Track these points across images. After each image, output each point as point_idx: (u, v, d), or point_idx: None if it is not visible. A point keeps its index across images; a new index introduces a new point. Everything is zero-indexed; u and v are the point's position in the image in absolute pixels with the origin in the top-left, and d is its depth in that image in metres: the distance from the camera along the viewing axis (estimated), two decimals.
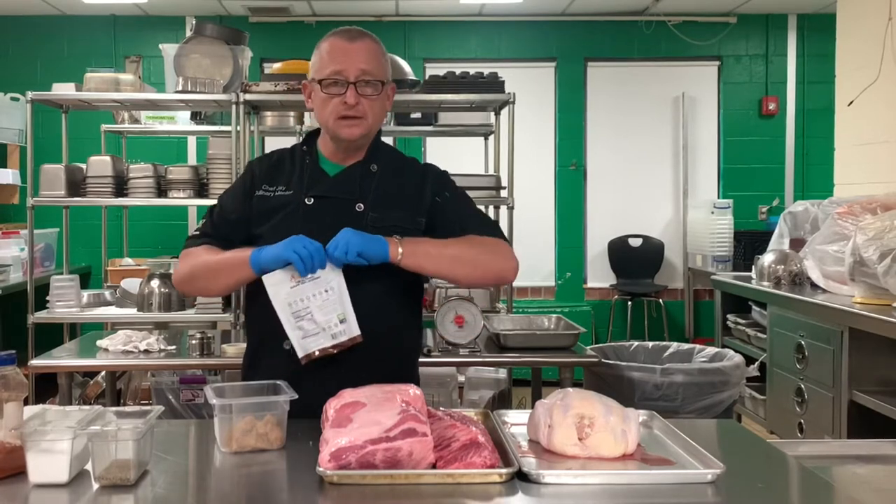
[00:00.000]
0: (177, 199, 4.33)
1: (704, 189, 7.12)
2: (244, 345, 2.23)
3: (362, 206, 1.96)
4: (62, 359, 3.22)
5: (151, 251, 6.12)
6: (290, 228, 1.88)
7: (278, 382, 1.73)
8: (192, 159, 6.79)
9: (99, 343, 3.29)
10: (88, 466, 1.48)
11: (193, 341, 3.20)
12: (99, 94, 4.33)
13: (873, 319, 3.30)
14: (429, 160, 2.41)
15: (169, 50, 4.39)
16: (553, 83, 7.15)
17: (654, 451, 1.63)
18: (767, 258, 4.56)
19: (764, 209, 7.02)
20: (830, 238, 3.97)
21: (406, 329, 2.05)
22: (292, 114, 5.12)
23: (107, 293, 4.44)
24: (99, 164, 4.31)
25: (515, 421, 1.81)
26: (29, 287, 4.33)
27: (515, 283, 4.83)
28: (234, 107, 4.18)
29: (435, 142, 6.73)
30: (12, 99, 6.13)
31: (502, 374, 4.32)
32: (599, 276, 7.14)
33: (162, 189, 4.34)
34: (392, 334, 1.98)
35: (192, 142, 6.90)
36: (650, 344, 3.95)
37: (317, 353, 1.84)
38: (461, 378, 4.34)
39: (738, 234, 6.44)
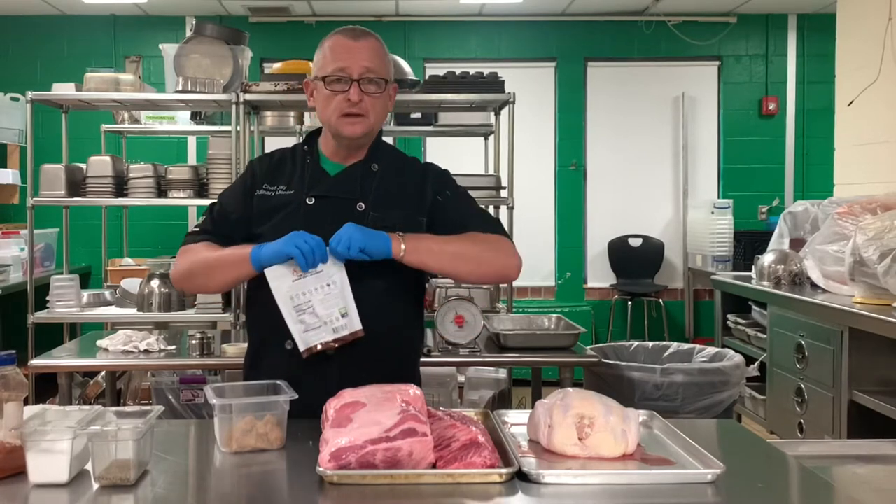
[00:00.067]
0: (177, 199, 4.33)
1: (704, 189, 7.12)
2: (244, 345, 2.24)
3: (363, 205, 1.96)
4: (62, 359, 3.22)
5: (151, 251, 6.11)
6: (291, 228, 1.88)
7: (278, 382, 1.73)
8: (192, 159, 6.79)
9: (99, 343, 3.29)
10: (88, 466, 1.48)
11: (193, 341, 3.20)
12: (99, 94, 4.33)
13: (873, 319, 3.30)
14: (429, 160, 2.41)
15: (169, 50, 4.39)
16: (553, 83, 7.15)
17: (654, 451, 1.63)
18: (767, 258, 4.56)
19: (764, 209, 7.02)
20: (830, 238, 3.97)
21: (407, 329, 2.05)
22: (292, 114, 5.12)
23: (107, 293, 4.44)
24: (99, 164, 4.31)
25: (515, 421, 1.81)
26: (29, 287, 4.33)
27: (515, 283, 4.83)
28: (234, 107, 4.18)
29: (435, 142, 6.73)
30: (12, 99, 6.14)
31: (502, 374, 4.32)
32: (599, 276, 7.14)
33: (162, 189, 4.34)
34: (393, 334, 1.98)
35: (192, 142, 6.90)
36: (650, 344, 3.95)
37: (318, 346, 1.84)
38: (461, 378, 4.34)
39: (738, 234, 6.44)
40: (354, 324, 1.85)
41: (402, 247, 1.84)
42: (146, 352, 3.21)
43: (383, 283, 1.93)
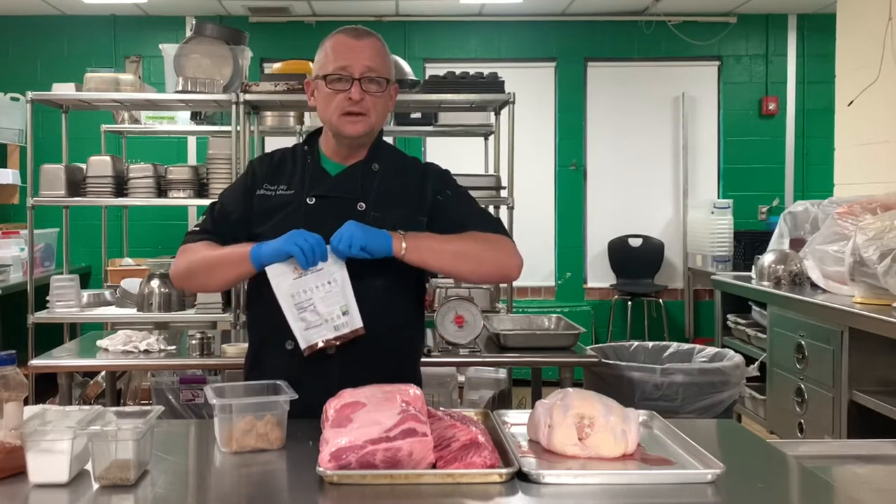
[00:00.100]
0: (177, 199, 4.33)
1: (704, 189, 7.12)
2: (244, 345, 2.24)
3: (364, 205, 1.96)
4: (62, 359, 3.22)
5: (151, 251, 6.11)
6: (291, 228, 1.87)
7: (278, 382, 1.73)
8: (192, 159, 6.79)
9: (99, 343, 3.29)
10: (88, 466, 1.48)
11: (193, 341, 3.20)
12: (99, 94, 4.33)
13: (873, 319, 3.30)
14: (429, 160, 2.41)
15: (169, 50, 4.39)
16: (553, 83, 7.15)
17: (654, 451, 1.63)
18: (767, 258, 4.56)
19: (764, 209, 7.02)
20: (830, 238, 3.97)
21: (407, 328, 2.05)
22: (292, 114, 5.12)
23: (107, 293, 4.44)
24: (99, 164, 4.31)
25: (515, 421, 1.81)
26: (29, 287, 4.33)
27: (515, 283, 4.83)
28: (234, 107, 4.18)
29: (435, 142, 6.73)
30: (12, 99, 6.14)
31: (502, 374, 4.32)
32: (599, 276, 7.14)
33: (162, 189, 4.34)
34: (393, 333, 1.98)
35: (192, 142, 6.90)
36: (650, 344, 3.95)
37: (320, 343, 1.84)
38: (461, 378, 4.34)
39: (738, 234, 6.44)
40: (355, 321, 1.85)
41: (404, 245, 1.84)
42: (146, 352, 3.21)
43: (384, 282, 1.93)
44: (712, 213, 6.39)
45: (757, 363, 4.31)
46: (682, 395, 3.36)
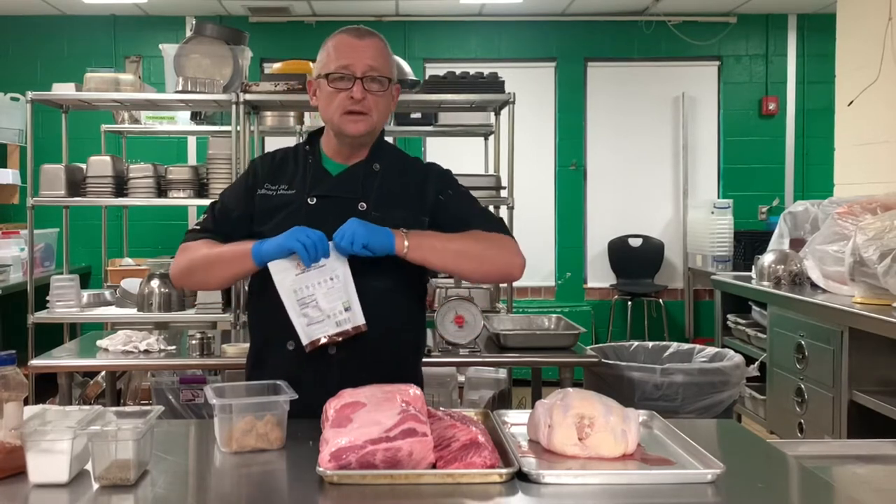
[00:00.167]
0: (177, 199, 4.33)
1: (704, 189, 7.12)
2: (244, 345, 2.24)
3: (365, 205, 1.96)
4: (62, 359, 3.22)
5: (151, 251, 6.11)
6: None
7: (278, 382, 1.73)
8: (192, 159, 6.79)
9: (99, 343, 3.29)
10: (88, 466, 1.48)
11: (193, 341, 3.20)
12: (99, 94, 4.33)
13: (873, 319, 3.30)
14: (429, 160, 2.41)
15: (169, 50, 4.39)
16: (553, 83, 7.15)
17: (654, 451, 1.63)
18: (767, 258, 4.56)
19: (764, 209, 7.02)
20: (830, 238, 3.97)
21: (409, 327, 2.04)
22: (292, 114, 5.12)
23: (107, 293, 4.44)
24: (99, 164, 4.31)
25: (515, 421, 1.81)
26: (29, 287, 4.33)
27: (516, 283, 4.83)
28: (234, 107, 4.18)
29: (435, 142, 6.73)
30: (12, 99, 6.14)
31: (502, 374, 4.32)
32: (599, 276, 7.14)
33: (162, 189, 4.34)
34: (394, 333, 1.98)
35: (192, 142, 6.90)
36: (650, 344, 3.95)
37: (322, 339, 1.84)
38: (461, 378, 4.34)
39: (738, 234, 6.44)
40: (357, 318, 1.85)
41: (406, 243, 1.84)
42: (146, 352, 3.21)
43: (386, 282, 1.93)
44: (712, 213, 6.39)
45: (757, 363, 4.31)
46: (682, 395, 3.36)
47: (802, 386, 3.90)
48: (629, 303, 6.82)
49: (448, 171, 2.11)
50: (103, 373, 4.03)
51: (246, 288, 2.23)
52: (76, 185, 4.30)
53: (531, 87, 6.84)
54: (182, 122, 5.44)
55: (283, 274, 1.84)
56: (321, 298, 1.83)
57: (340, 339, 1.85)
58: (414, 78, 4.54)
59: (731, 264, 6.30)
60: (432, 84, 4.36)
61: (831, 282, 3.96)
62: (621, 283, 6.92)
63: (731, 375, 3.43)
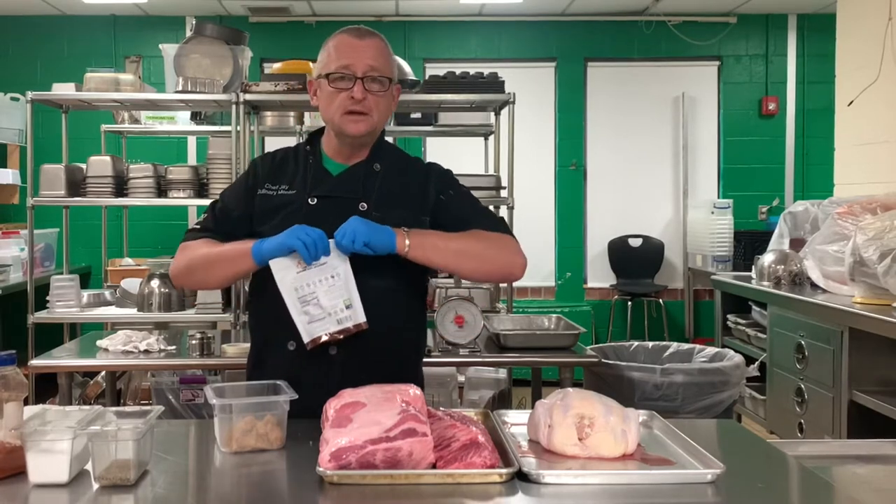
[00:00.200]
0: (177, 199, 4.33)
1: (704, 189, 7.12)
2: (245, 345, 2.24)
3: (366, 205, 1.96)
4: (62, 359, 3.22)
5: (151, 251, 6.11)
6: None
7: (278, 382, 1.73)
8: (192, 159, 6.79)
9: (99, 343, 3.29)
10: (88, 466, 1.48)
11: (193, 341, 3.20)
12: (99, 94, 4.33)
13: (873, 319, 3.30)
14: (429, 160, 2.41)
15: (169, 50, 4.39)
16: (553, 83, 7.15)
17: (654, 451, 1.63)
18: (767, 258, 4.56)
19: (764, 209, 7.02)
20: (830, 238, 3.97)
21: (409, 328, 2.04)
22: (292, 114, 5.12)
23: (107, 293, 4.44)
24: (99, 164, 4.31)
25: (515, 421, 1.81)
26: (29, 287, 4.33)
27: (516, 283, 4.83)
28: (234, 107, 4.18)
29: (435, 142, 6.73)
30: (12, 99, 6.14)
31: (502, 374, 4.32)
32: (599, 276, 7.14)
33: (162, 189, 4.34)
34: (395, 333, 1.97)
35: (192, 142, 6.90)
36: (650, 344, 3.95)
37: (324, 337, 1.84)
38: (461, 378, 4.34)
39: (738, 234, 6.45)
40: (359, 315, 1.85)
41: (407, 242, 1.84)
42: (146, 352, 3.21)
43: (386, 281, 1.93)
44: (712, 213, 6.39)
45: (757, 363, 4.31)
46: (682, 395, 3.36)
47: (802, 386, 3.90)
48: (629, 303, 6.82)
49: (449, 171, 2.11)
50: (103, 373, 4.03)
51: (246, 288, 2.23)
52: (76, 185, 4.30)
53: (531, 87, 6.84)
54: (182, 122, 5.44)
55: (284, 272, 1.84)
56: (322, 296, 1.83)
57: (342, 336, 1.85)
58: (414, 78, 4.54)
59: (731, 264, 6.30)
60: (432, 84, 4.36)
61: (831, 282, 3.96)
62: (621, 283, 6.92)
63: (731, 375, 3.43)
